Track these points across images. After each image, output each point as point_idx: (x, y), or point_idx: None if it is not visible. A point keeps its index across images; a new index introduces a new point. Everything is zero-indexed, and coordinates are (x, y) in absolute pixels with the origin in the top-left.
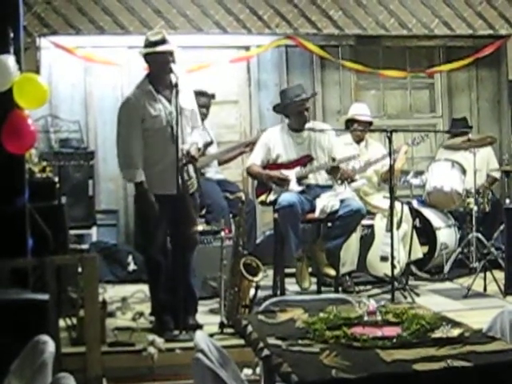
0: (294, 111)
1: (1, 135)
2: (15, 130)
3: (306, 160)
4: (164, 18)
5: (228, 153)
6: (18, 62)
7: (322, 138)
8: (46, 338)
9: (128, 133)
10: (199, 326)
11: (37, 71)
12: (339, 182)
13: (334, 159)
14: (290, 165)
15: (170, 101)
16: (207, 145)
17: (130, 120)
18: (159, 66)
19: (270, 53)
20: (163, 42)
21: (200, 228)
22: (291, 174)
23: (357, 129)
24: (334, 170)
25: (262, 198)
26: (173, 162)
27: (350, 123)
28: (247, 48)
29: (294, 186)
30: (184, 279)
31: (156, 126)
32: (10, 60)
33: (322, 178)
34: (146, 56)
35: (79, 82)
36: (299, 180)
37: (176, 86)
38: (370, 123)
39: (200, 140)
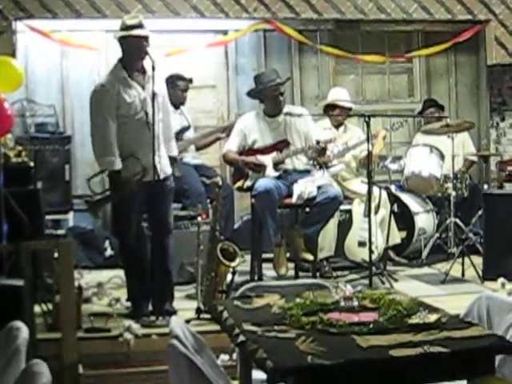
0: (268, 96)
1: None
2: None
3: (282, 145)
4: (141, 1)
5: (205, 138)
6: None
7: (297, 122)
8: (19, 324)
9: (104, 120)
10: (175, 312)
11: (13, 55)
12: (317, 166)
13: (318, 141)
14: (266, 150)
15: (143, 86)
16: (184, 129)
17: (105, 107)
18: (133, 51)
19: (248, 37)
20: (139, 26)
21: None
22: (267, 160)
23: (336, 114)
24: (321, 152)
25: (239, 184)
26: (148, 149)
27: (329, 108)
28: (225, 32)
29: (270, 171)
30: (161, 265)
31: (131, 113)
32: None
33: (299, 162)
34: (121, 40)
35: (56, 65)
36: (276, 165)
37: (153, 70)
38: (350, 109)
39: (176, 153)
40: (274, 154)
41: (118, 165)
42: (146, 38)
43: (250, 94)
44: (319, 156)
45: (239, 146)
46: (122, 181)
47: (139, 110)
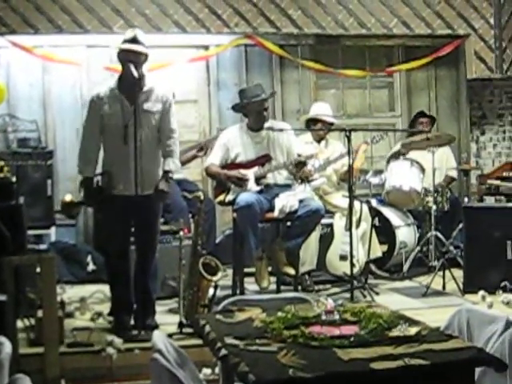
0: (252, 111)
1: None
2: None
3: (264, 160)
4: (123, 17)
5: (186, 153)
6: None
7: (280, 136)
8: (2, 338)
9: (86, 127)
10: (157, 327)
11: None
12: (299, 181)
13: (299, 155)
14: (248, 164)
15: (133, 102)
16: None
17: (89, 115)
18: (121, 64)
19: (229, 52)
20: (131, 41)
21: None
22: (250, 174)
23: (318, 128)
24: (299, 166)
25: (221, 198)
26: (125, 162)
27: (311, 122)
28: (206, 47)
29: (252, 185)
30: (142, 280)
31: (111, 124)
32: None
33: (280, 177)
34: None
35: (37, 81)
36: (258, 180)
37: (137, 86)
38: (332, 123)
39: (173, 167)
40: (256, 168)
41: (86, 173)
42: (133, 53)
43: (235, 108)
44: (299, 170)
45: (222, 159)
46: (88, 189)
47: (119, 124)
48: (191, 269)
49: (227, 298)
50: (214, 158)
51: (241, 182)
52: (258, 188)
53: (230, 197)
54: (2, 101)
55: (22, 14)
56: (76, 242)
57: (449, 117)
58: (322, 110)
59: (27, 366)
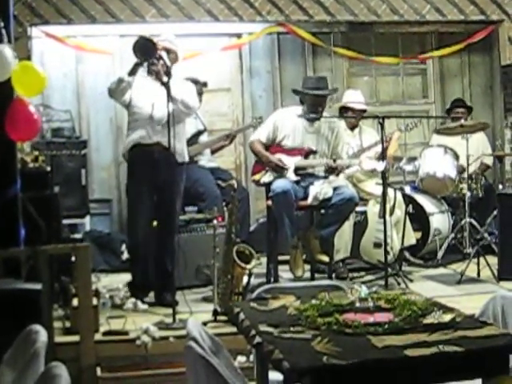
0: (309, 102)
1: (5, 124)
2: (21, 118)
3: (308, 152)
4: (155, 6)
5: (220, 141)
6: None
7: (330, 134)
8: (38, 327)
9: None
10: (177, 303)
11: (28, 60)
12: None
13: (334, 160)
14: (292, 151)
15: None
16: (199, 133)
17: None
18: None
19: (262, 40)
20: None
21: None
22: (290, 162)
23: (350, 116)
24: (329, 170)
25: (257, 176)
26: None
27: (343, 110)
28: (239, 36)
29: (290, 174)
30: (158, 256)
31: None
32: (7, 49)
33: (318, 169)
34: None
35: (71, 71)
36: (296, 170)
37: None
38: (364, 110)
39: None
40: (299, 158)
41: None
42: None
43: (295, 92)
44: (329, 174)
45: (268, 137)
46: None
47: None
48: (225, 257)
49: (261, 286)
50: (261, 135)
51: (279, 170)
52: (296, 178)
53: (265, 179)
54: (43, 89)
55: (54, 4)
56: (110, 231)
57: (482, 103)
58: (352, 97)
59: (63, 355)
